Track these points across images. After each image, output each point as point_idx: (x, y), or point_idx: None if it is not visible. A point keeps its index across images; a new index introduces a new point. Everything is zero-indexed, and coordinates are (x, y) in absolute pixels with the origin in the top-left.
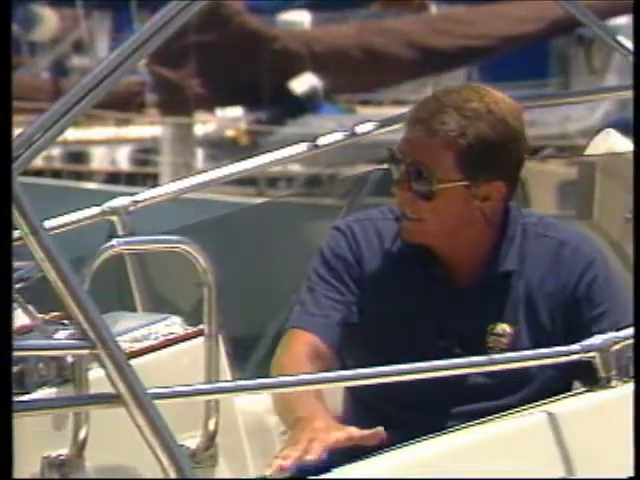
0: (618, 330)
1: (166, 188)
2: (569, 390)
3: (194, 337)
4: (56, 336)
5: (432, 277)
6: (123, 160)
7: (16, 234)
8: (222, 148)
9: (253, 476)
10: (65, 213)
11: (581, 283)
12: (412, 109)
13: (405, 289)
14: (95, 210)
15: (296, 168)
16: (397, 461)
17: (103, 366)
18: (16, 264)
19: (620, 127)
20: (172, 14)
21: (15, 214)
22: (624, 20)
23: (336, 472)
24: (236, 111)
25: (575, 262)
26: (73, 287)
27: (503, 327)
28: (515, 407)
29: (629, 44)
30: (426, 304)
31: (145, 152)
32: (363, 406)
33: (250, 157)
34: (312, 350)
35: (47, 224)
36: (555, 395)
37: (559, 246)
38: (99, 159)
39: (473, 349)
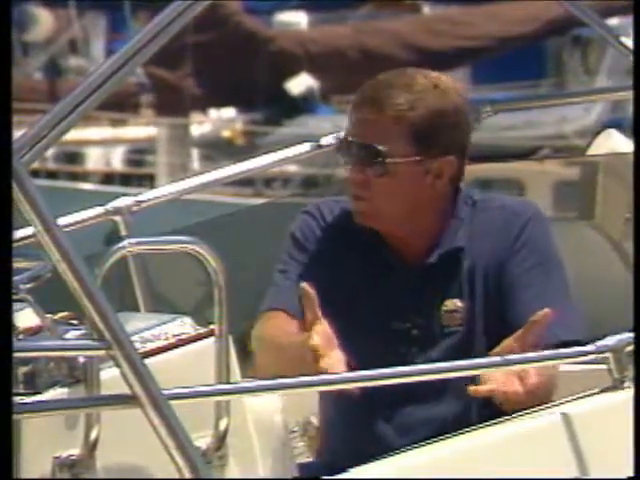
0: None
1: (169, 188)
2: None
3: (205, 337)
4: (67, 336)
5: (383, 260)
6: (118, 161)
7: (19, 234)
8: (218, 149)
9: (263, 476)
10: (61, 214)
11: (516, 242)
12: (357, 93)
13: (359, 272)
14: (99, 210)
15: (292, 168)
16: (407, 462)
17: (119, 367)
18: (26, 264)
19: (614, 127)
20: (174, 15)
21: (30, 213)
22: (615, 21)
23: (349, 473)
24: (231, 112)
25: (512, 223)
26: (89, 287)
27: (454, 302)
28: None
29: (629, 44)
30: (378, 288)
31: (140, 153)
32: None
33: (250, 158)
34: (285, 324)
35: None
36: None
37: (500, 211)
38: (94, 160)
39: (429, 330)
